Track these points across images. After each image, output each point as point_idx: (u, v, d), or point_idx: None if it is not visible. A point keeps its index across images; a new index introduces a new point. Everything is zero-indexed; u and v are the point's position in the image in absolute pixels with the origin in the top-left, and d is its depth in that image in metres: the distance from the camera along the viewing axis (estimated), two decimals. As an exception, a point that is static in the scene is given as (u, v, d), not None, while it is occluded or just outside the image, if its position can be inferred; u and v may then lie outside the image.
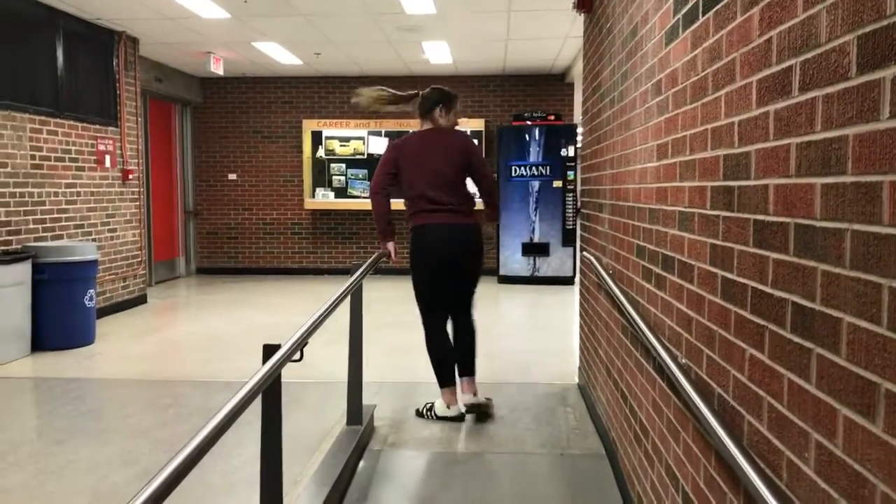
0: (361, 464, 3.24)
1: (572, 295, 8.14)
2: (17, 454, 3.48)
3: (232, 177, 10.25)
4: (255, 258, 10.35)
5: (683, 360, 1.96)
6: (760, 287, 1.40)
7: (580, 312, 4.52)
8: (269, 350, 2.07)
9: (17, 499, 2.98)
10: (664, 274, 2.20)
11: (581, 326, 4.45)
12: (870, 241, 1.00)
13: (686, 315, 1.95)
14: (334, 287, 3.02)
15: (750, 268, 1.46)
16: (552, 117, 9.10)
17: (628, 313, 2.46)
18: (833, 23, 1.12)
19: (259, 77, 9.99)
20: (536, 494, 2.96)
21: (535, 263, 9.19)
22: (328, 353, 4.72)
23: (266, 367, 1.96)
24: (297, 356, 2.12)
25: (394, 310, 6.96)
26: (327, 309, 2.48)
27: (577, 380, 4.57)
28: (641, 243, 2.56)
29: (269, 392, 2.07)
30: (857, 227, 1.04)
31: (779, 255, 1.32)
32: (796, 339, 1.24)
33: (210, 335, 6.23)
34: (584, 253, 3.95)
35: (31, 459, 3.41)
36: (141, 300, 7.64)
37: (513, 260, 9.22)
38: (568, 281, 9.09)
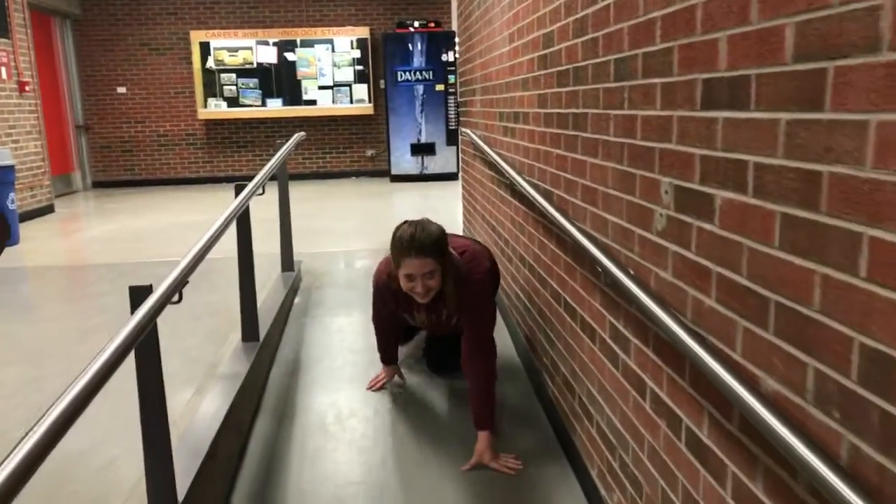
0: (297, 299, 4.13)
1: (457, 188, 9.15)
2: (-3, 318, 4.12)
3: (121, 90, 10.34)
4: (152, 170, 10.62)
5: (528, 179, 2.94)
6: (559, 111, 2.37)
7: (462, 180, 5.50)
8: (239, 187, 2.88)
9: (25, 334, 3.67)
10: (514, 125, 3.16)
11: (463, 195, 5.44)
12: (618, 63, 1.96)
13: (526, 147, 2.92)
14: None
15: (554, 101, 2.42)
16: (433, 24, 9.82)
17: (494, 161, 3.42)
18: (584, -50, 2.03)
19: (141, -13, 10.00)
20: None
21: (423, 162, 10.09)
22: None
23: (240, 197, 2.78)
24: (260, 191, 2.94)
25: (301, 207, 7.71)
26: (272, 165, 3.28)
27: (462, 240, 5.60)
28: (502, 110, 3.50)
29: (242, 219, 2.89)
30: (592, 61, 1.99)
31: (564, 88, 2.27)
32: (574, 132, 2.21)
33: (130, 232, 6.77)
34: (463, 129, 4.88)
35: (12, 315, 4.06)
36: (49, 209, 7.94)
37: (403, 160, 10.06)
38: (453, 177, 10.07)
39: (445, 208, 7.64)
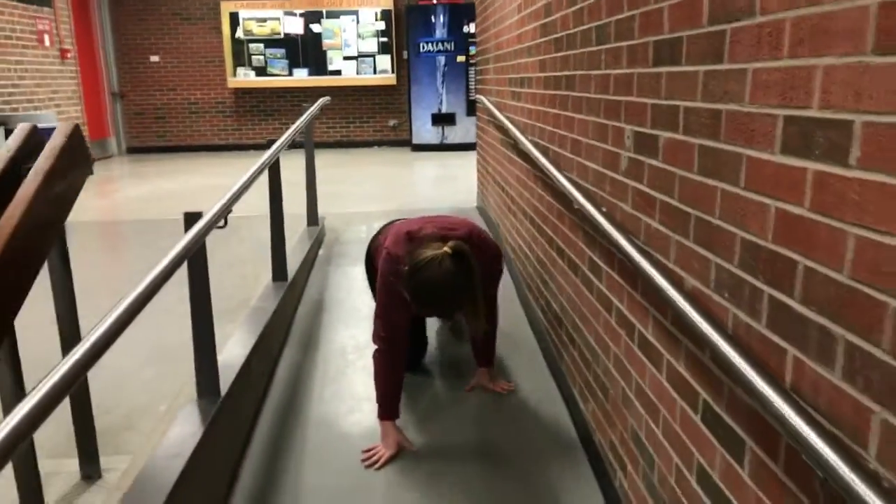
0: (321, 251, 4.48)
1: (475, 157, 9.42)
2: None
3: (154, 59, 10.72)
4: (184, 136, 11.02)
5: (531, 138, 3.22)
6: (555, 74, 2.65)
7: (477, 146, 5.79)
8: (270, 142, 3.21)
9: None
10: (520, 90, 3.45)
11: (478, 160, 5.73)
12: (598, 30, 2.23)
13: (529, 109, 3.21)
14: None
15: (552, 65, 2.70)
16: (455, -4, 10.02)
17: (503, 124, 3.71)
18: (576, -71, 2.30)
19: (173, -42, 10.31)
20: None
21: (443, 132, 10.36)
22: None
23: (273, 148, 3.11)
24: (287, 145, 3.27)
25: (325, 173, 8.07)
26: (301, 122, 3.61)
27: (476, 203, 5.91)
28: (511, 76, 3.77)
29: (273, 168, 3.22)
30: (580, 28, 2.27)
31: (559, 53, 2.55)
32: (566, 92, 2.49)
33: (164, 193, 7.17)
34: (478, 96, 5.16)
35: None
36: (88, 172, 8.37)
37: (424, 130, 10.34)
38: (472, 147, 10.26)
39: (463, 176, 7.93)
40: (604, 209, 2.00)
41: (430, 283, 2.09)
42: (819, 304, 0.98)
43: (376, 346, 2.38)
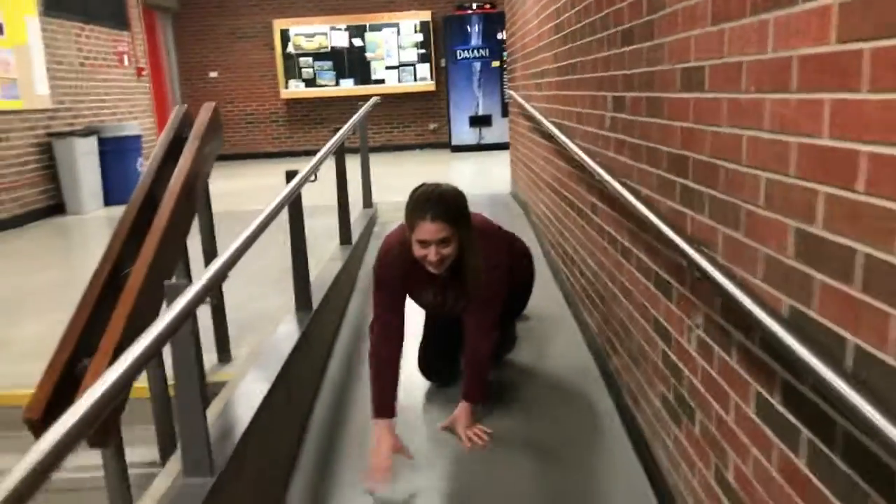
0: (375, 228, 5.20)
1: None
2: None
3: (213, 74, 11.68)
4: (241, 145, 11.94)
5: (550, 119, 3.88)
6: (565, 63, 3.31)
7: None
8: (335, 129, 3.93)
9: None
10: (541, 80, 4.11)
11: (511, 149, 6.39)
12: (588, 25, 2.89)
13: (548, 95, 3.87)
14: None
15: (562, 56, 3.36)
16: (488, 6, 10.73)
17: (530, 112, 4.38)
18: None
19: (229, -18, 11.27)
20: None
21: (480, 133, 11.05)
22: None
23: (334, 138, 3.84)
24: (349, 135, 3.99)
25: (373, 172, 8.84)
26: (355, 119, 4.34)
27: (510, 190, 6.58)
28: (534, 70, 4.44)
29: (339, 152, 3.94)
30: (578, 26, 2.93)
31: (567, 46, 3.21)
32: (571, 76, 3.15)
33: (227, 191, 7.98)
34: (509, 91, 5.83)
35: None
36: (160, 177, 9.30)
37: (462, 131, 11.05)
38: (508, 146, 10.99)
39: (499, 171, 8.60)
40: (597, 159, 2.65)
41: (427, 192, 2.24)
42: (698, 179, 1.63)
43: (370, 339, 2.38)
